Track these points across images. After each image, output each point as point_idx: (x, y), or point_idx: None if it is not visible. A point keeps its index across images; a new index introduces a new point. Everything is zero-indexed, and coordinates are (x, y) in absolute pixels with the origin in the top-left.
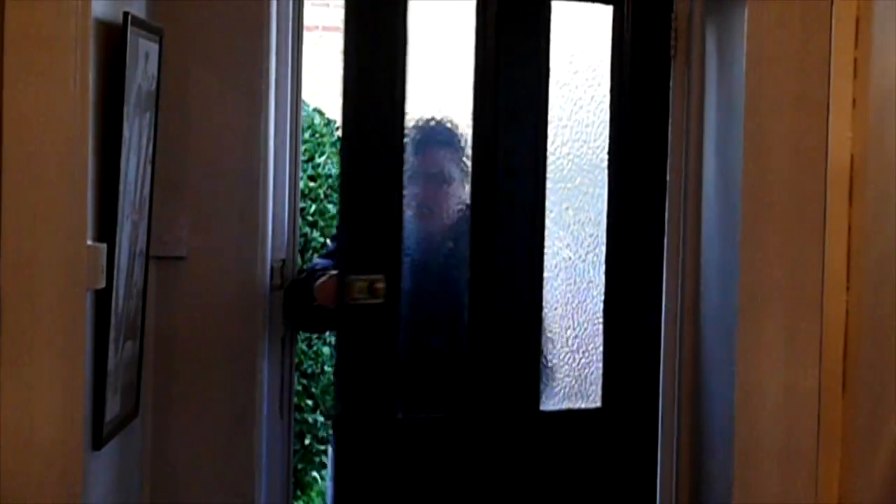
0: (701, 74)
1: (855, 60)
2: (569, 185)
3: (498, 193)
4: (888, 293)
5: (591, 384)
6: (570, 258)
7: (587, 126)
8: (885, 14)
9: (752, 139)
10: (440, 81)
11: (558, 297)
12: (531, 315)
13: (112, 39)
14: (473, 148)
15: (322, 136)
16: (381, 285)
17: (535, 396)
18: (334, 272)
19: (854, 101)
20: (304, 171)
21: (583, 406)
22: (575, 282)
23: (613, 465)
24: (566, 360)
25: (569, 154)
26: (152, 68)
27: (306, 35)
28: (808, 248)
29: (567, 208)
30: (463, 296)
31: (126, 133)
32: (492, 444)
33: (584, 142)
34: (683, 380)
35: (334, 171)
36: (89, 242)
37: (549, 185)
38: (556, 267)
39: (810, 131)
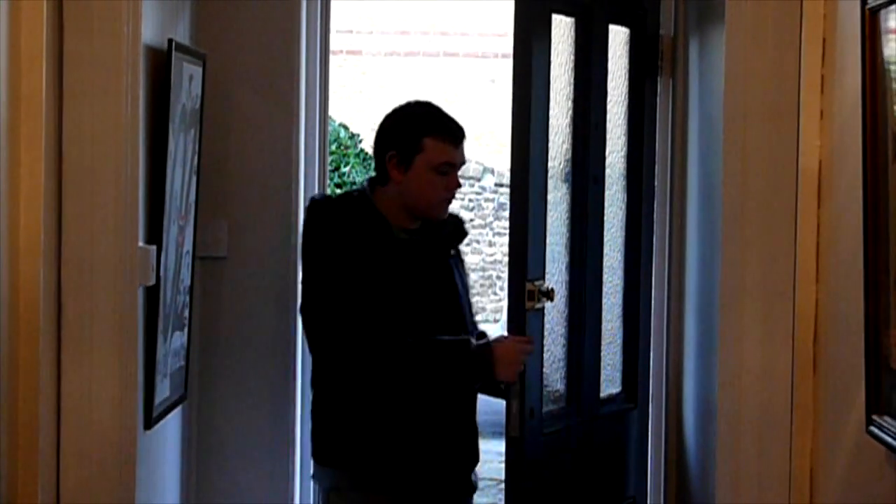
0: (684, 89)
1: (822, 77)
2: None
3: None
4: (853, 284)
5: None
6: None
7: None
8: (849, 35)
9: (730, 147)
10: None
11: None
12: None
13: (160, 63)
14: None
15: (347, 147)
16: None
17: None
18: (504, 338)
19: (821, 112)
20: (331, 179)
21: None
22: None
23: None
24: None
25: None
26: (196, 88)
27: (332, 58)
28: (782, 244)
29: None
30: None
31: (171, 147)
32: None
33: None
34: (671, 362)
35: (358, 178)
36: (140, 244)
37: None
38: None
39: (782, 140)
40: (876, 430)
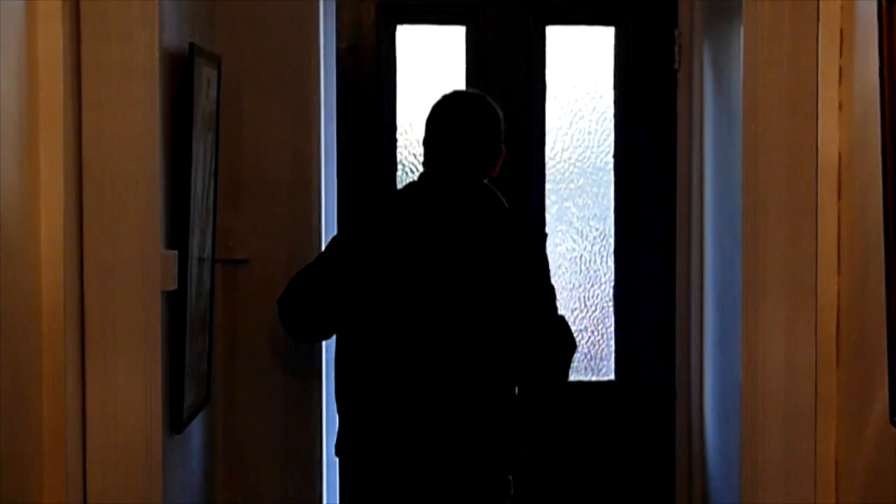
0: (701, 83)
1: (840, 68)
2: (570, 186)
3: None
4: (874, 276)
5: (602, 359)
6: (574, 249)
7: (589, 134)
8: (867, 25)
9: (750, 140)
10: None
11: (563, 283)
12: None
13: (178, 67)
14: None
15: None
16: None
17: None
18: None
19: (840, 104)
20: None
21: (594, 379)
22: (580, 271)
23: (629, 432)
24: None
25: (569, 158)
26: (213, 92)
27: None
28: (803, 237)
29: (570, 206)
30: None
31: (193, 152)
32: None
33: (587, 147)
34: (693, 357)
35: None
36: (162, 249)
37: (549, 185)
38: (560, 257)
39: (802, 132)
40: None
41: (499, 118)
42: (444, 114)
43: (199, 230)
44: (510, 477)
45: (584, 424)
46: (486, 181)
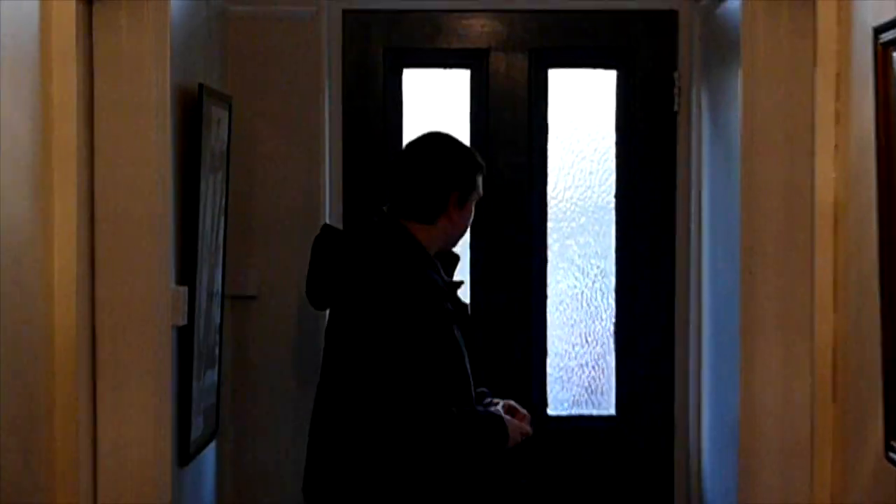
0: (700, 125)
1: (836, 111)
2: (572, 224)
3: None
4: (869, 314)
5: (602, 394)
6: (576, 286)
7: (590, 174)
8: (862, 69)
9: (747, 181)
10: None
11: (565, 319)
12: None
13: (189, 107)
14: None
15: None
16: None
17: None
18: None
19: (836, 146)
20: None
21: (594, 413)
22: (582, 307)
23: (629, 465)
24: (577, 372)
25: (571, 197)
26: (223, 132)
27: None
28: (800, 275)
29: (571, 244)
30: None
31: (203, 190)
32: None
33: (588, 187)
34: (692, 393)
35: None
36: (172, 286)
37: (551, 224)
38: (561, 294)
39: (798, 174)
40: (895, 456)
41: (450, 160)
42: (398, 153)
43: (208, 266)
44: None
45: (585, 458)
46: (430, 223)
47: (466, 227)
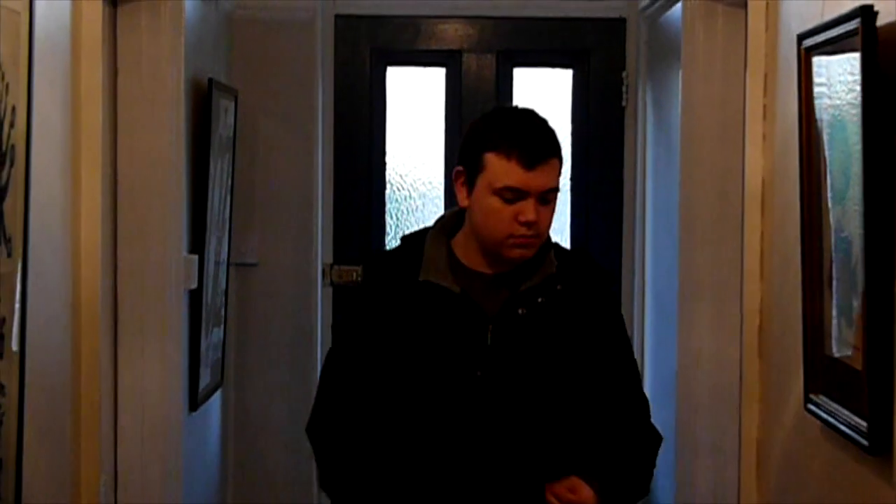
0: (645, 118)
1: (764, 106)
2: None
3: None
4: (792, 282)
5: None
6: None
7: None
8: (787, 70)
9: (686, 167)
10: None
11: None
12: None
13: (200, 98)
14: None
15: None
16: None
17: None
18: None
19: (764, 136)
20: None
21: None
22: None
23: None
24: None
25: None
26: (230, 120)
27: None
28: (731, 249)
29: None
30: None
31: (212, 170)
32: None
33: None
34: (635, 351)
35: None
36: (184, 254)
37: None
38: None
39: (730, 160)
40: (813, 408)
41: (466, 132)
42: None
43: (216, 237)
44: None
45: None
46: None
47: (488, 221)
